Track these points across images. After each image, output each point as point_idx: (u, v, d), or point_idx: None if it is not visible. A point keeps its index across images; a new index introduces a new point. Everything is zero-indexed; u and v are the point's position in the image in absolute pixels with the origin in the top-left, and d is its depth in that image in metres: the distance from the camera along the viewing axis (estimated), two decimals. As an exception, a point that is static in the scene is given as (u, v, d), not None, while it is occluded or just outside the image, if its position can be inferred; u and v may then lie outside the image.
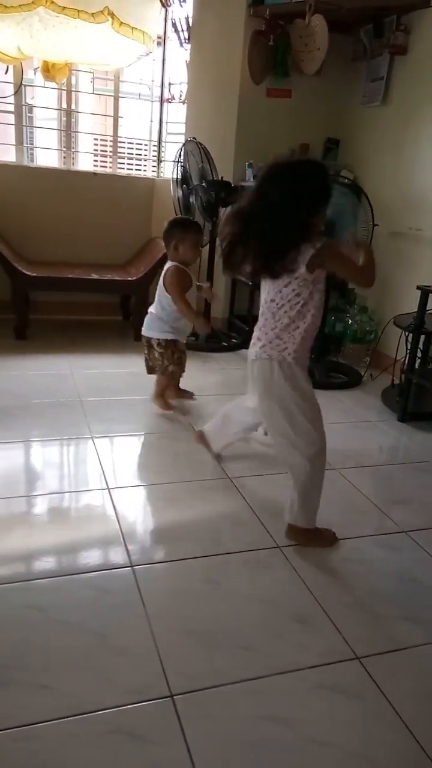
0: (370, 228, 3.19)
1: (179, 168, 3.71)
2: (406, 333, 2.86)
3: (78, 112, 4.21)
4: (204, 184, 3.55)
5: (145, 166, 4.44)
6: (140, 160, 4.48)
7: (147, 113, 4.31)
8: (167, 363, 2.63)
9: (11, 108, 3.94)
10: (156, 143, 4.35)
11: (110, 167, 4.32)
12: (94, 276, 3.80)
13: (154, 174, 4.38)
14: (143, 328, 2.66)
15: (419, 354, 2.91)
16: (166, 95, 4.26)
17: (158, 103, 4.28)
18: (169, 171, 3.87)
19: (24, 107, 4.03)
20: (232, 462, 2.29)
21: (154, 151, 4.37)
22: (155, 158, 4.37)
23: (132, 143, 4.53)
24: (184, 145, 3.71)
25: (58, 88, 4.03)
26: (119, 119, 4.22)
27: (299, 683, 1.32)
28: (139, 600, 1.52)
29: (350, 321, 3.61)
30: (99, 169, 4.34)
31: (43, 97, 4.44)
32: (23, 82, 3.91)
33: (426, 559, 1.82)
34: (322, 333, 3.37)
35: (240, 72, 3.66)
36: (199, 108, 3.97)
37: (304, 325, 1.66)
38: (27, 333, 3.62)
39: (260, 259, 1.63)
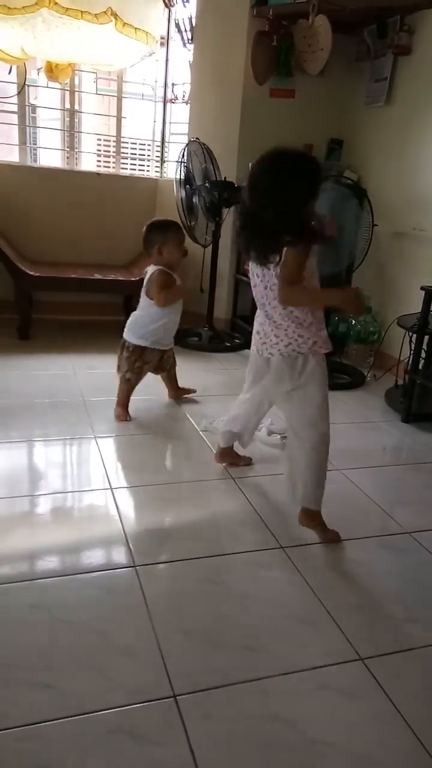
0: (370, 229, 3.19)
1: (182, 168, 3.71)
2: (410, 333, 2.86)
3: (81, 112, 4.21)
4: (207, 184, 3.55)
5: (148, 166, 4.44)
6: (143, 160, 4.48)
7: (150, 113, 4.31)
8: (126, 369, 2.57)
9: (15, 108, 3.95)
10: (159, 143, 4.35)
11: (113, 167, 4.32)
12: (97, 276, 3.80)
13: (157, 174, 4.38)
14: (125, 330, 2.61)
15: (423, 354, 2.91)
16: (170, 95, 4.26)
17: (161, 104, 4.28)
18: (173, 171, 3.87)
19: (27, 107, 4.04)
20: (235, 462, 2.28)
21: (157, 151, 4.37)
22: (158, 158, 4.38)
23: (135, 143, 4.54)
24: (187, 145, 3.71)
25: (61, 89, 4.04)
26: (122, 119, 4.22)
27: (302, 684, 1.32)
28: (142, 600, 1.52)
29: (353, 321, 3.60)
30: (102, 170, 4.34)
31: (47, 98, 4.45)
32: (26, 83, 3.91)
33: (430, 560, 1.81)
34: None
35: (243, 72, 3.66)
36: (203, 108, 3.97)
37: (296, 322, 1.72)
38: (30, 333, 3.63)
39: (251, 245, 1.69)
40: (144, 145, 4.47)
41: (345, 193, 2.96)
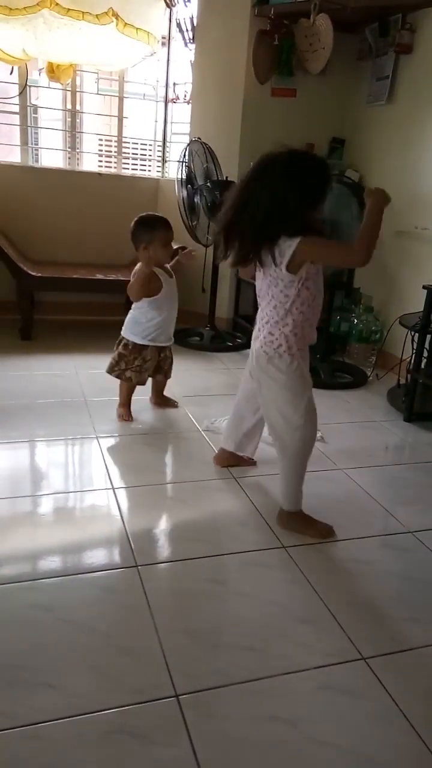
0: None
1: (184, 168, 3.70)
2: (412, 333, 2.85)
3: (83, 112, 4.21)
4: (209, 184, 3.54)
5: (149, 166, 4.44)
6: (145, 160, 4.48)
7: (152, 113, 4.31)
8: (126, 366, 2.55)
9: (16, 109, 3.95)
10: (161, 143, 4.35)
11: (115, 167, 4.33)
12: (99, 276, 3.80)
13: (159, 174, 4.38)
14: (123, 328, 2.60)
15: (425, 354, 2.90)
16: (171, 95, 4.26)
17: (163, 104, 4.28)
18: (174, 171, 3.86)
19: (29, 108, 4.04)
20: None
21: (158, 151, 4.37)
22: (160, 158, 4.38)
23: (137, 143, 4.54)
24: (188, 145, 3.71)
25: (62, 89, 4.04)
26: (124, 119, 4.22)
27: (304, 683, 1.31)
28: (144, 600, 1.52)
29: (356, 321, 3.59)
30: (104, 170, 4.34)
31: (48, 98, 4.45)
32: (28, 83, 3.92)
33: (432, 559, 1.81)
34: (327, 333, 3.38)
35: (245, 71, 3.66)
36: (204, 108, 3.97)
37: (292, 322, 1.74)
38: (32, 333, 3.63)
39: (250, 244, 1.70)
40: (145, 145, 4.47)
41: (346, 192, 2.95)
